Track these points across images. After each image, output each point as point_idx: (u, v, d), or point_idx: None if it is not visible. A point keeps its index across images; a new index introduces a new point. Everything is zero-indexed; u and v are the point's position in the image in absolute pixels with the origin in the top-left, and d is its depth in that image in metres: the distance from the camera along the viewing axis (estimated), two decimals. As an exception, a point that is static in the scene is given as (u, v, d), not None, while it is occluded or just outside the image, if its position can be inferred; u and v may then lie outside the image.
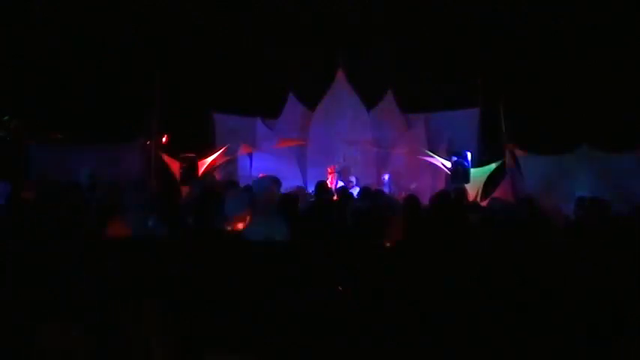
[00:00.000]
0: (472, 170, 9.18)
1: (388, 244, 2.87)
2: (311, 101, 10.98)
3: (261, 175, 8.80)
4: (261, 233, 2.87)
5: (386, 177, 9.65)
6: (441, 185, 9.81)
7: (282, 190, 4.50)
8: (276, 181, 4.00)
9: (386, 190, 9.18)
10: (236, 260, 2.45)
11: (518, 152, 9.49)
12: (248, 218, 3.34)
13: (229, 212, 3.32)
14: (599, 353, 2.18)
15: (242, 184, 9.32)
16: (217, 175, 9.84)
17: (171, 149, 9.93)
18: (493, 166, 9.56)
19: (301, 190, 6.36)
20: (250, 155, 10.77)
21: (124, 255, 2.64)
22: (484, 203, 7.82)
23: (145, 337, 2.38)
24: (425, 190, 9.20)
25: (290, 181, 8.50)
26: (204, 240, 2.86)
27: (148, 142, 9.85)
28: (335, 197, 8.06)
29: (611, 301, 2.30)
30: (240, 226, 3.26)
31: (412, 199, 4.38)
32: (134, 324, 2.40)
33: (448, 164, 9.36)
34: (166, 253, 2.64)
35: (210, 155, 9.85)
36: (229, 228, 3.27)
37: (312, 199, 7.11)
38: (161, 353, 2.34)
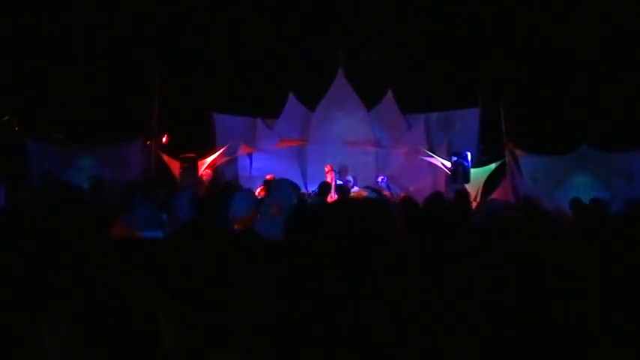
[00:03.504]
0: (472, 170, 9.18)
1: None
2: (311, 101, 10.99)
3: (269, 176, 8.84)
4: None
5: (379, 179, 9.64)
6: (441, 185, 9.81)
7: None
8: (294, 187, 3.99)
9: (384, 192, 9.18)
10: (243, 259, 2.45)
11: (518, 152, 9.49)
12: (252, 220, 3.31)
13: (236, 213, 3.30)
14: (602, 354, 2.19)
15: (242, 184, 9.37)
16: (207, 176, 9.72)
17: (171, 149, 9.92)
18: (493, 166, 9.56)
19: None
20: (250, 155, 10.77)
21: (131, 254, 2.65)
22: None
23: (159, 336, 2.38)
24: (425, 190, 9.19)
25: (290, 181, 8.48)
26: (210, 238, 2.85)
27: (148, 142, 9.84)
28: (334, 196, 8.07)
29: (612, 302, 2.31)
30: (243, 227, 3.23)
31: (409, 201, 4.41)
32: (147, 324, 2.40)
33: (448, 164, 9.37)
34: (175, 252, 2.64)
35: (210, 155, 9.85)
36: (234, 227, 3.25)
37: (313, 199, 7.13)
38: (176, 352, 2.33)
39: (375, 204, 3.62)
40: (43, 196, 3.64)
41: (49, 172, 8.57)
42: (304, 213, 2.93)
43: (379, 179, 9.65)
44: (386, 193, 8.93)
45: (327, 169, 9.58)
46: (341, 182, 9.34)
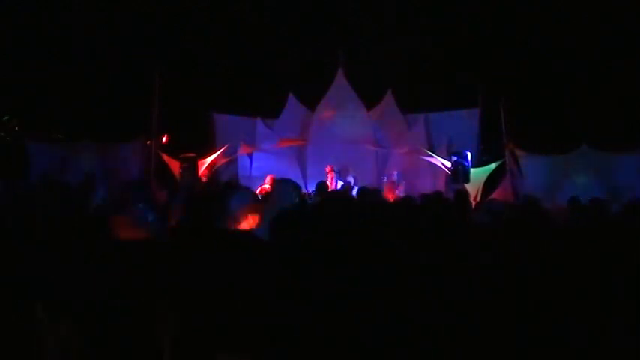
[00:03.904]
0: (472, 170, 9.18)
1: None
2: (311, 101, 10.99)
3: (270, 176, 8.88)
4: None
5: (395, 174, 9.64)
6: (441, 185, 9.81)
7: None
8: (296, 187, 3.95)
9: (399, 189, 9.22)
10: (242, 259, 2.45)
11: (518, 152, 9.49)
12: (256, 218, 3.24)
13: (233, 209, 3.24)
14: (599, 353, 2.19)
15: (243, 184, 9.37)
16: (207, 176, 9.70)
17: (172, 149, 9.92)
18: (493, 166, 9.56)
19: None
20: (250, 155, 10.77)
21: (131, 255, 2.65)
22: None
23: (157, 337, 2.38)
24: (425, 191, 9.19)
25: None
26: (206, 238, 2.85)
27: (148, 142, 9.84)
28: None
29: (612, 302, 2.31)
30: (245, 225, 3.18)
31: (409, 201, 4.42)
32: (145, 324, 2.40)
33: (448, 164, 9.37)
34: (167, 253, 2.64)
35: (210, 155, 9.85)
36: (233, 226, 3.21)
37: (313, 200, 7.12)
38: (175, 352, 2.33)
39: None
40: (42, 196, 3.64)
41: (47, 173, 8.57)
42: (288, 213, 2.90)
43: (394, 174, 9.64)
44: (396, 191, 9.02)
45: (327, 170, 9.57)
46: (342, 183, 9.34)
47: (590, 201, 5.84)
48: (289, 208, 3.37)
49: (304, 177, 10.56)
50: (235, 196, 3.31)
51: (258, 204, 3.23)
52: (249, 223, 3.12)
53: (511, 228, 3.19)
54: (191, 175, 9.17)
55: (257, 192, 8.20)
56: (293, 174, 9.88)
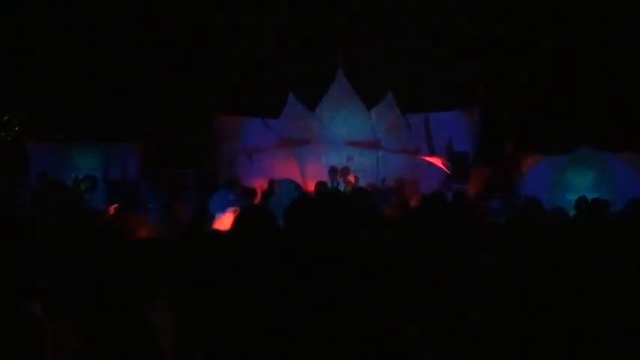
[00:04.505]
0: (472, 170, 9.18)
1: None
2: (311, 101, 10.98)
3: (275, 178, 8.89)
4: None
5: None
6: (441, 185, 9.80)
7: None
8: (297, 187, 3.94)
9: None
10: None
11: (519, 152, 9.49)
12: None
13: (213, 211, 3.22)
14: (599, 351, 2.19)
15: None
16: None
17: (171, 149, 9.93)
18: (493, 166, 9.57)
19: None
20: (250, 155, 10.77)
21: (131, 255, 2.65)
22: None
23: (156, 334, 2.38)
24: (425, 191, 9.18)
25: (290, 181, 8.48)
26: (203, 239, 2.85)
27: (148, 143, 9.85)
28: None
29: (612, 302, 2.31)
30: (224, 225, 3.13)
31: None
32: (145, 324, 2.40)
33: (448, 164, 9.37)
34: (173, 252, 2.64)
35: (210, 155, 9.85)
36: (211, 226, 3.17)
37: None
38: (170, 349, 2.33)
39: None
40: (42, 196, 3.64)
41: (47, 173, 8.57)
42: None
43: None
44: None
45: (329, 170, 9.48)
46: (345, 183, 9.31)
47: (590, 201, 5.85)
48: (254, 208, 3.34)
49: (304, 177, 10.54)
50: (214, 197, 3.28)
51: (238, 205, 3.21)
52: (228, 223, 3.10)
53: (511, 228, 3.19)
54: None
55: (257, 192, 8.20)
56: (293, 174, 9.86)
